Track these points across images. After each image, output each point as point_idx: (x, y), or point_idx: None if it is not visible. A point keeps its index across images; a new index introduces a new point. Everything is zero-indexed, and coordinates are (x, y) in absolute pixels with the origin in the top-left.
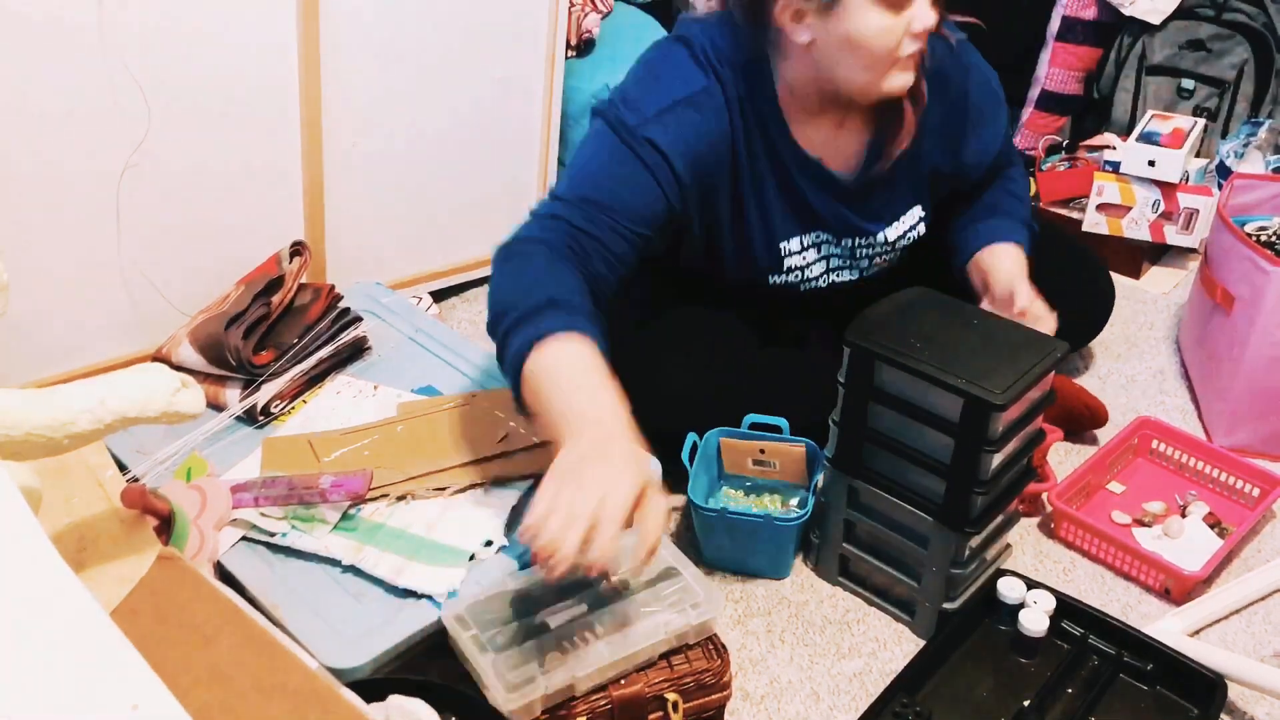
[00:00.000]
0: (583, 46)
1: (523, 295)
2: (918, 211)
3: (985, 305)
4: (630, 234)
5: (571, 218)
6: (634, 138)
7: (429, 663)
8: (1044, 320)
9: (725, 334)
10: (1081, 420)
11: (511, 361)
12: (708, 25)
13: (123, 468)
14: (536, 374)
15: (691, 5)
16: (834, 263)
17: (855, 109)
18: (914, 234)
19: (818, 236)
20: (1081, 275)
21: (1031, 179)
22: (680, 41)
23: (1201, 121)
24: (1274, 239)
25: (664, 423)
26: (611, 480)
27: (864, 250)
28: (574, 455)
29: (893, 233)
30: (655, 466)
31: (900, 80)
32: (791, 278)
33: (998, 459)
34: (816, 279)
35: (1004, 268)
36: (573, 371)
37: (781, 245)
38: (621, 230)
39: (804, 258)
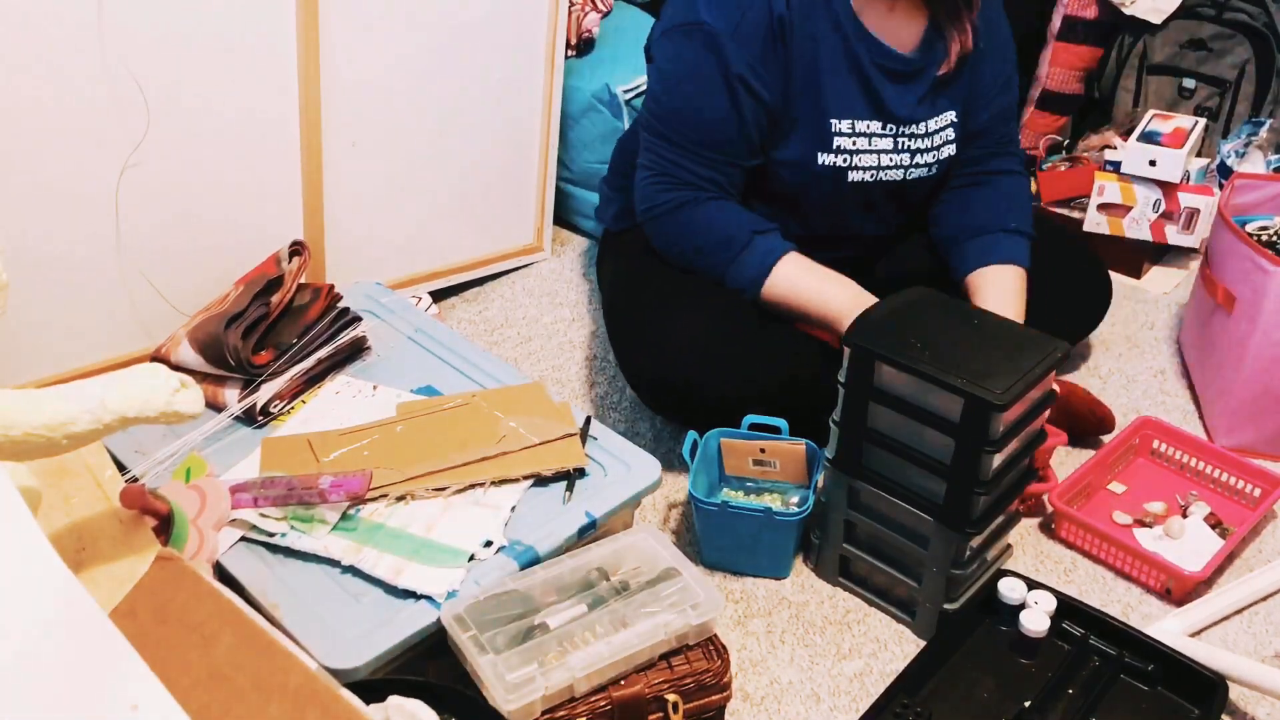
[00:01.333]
0: (583, 46)
1: (729, 229)
2: (951, 115)
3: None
4: (745, 156)
5: (698, 170)
6: (721, 71)
7: (429, 663)
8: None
9: (730, 294)
10: (1088, 426)
11: (751, 281)
12: None
13: (122, 468)
14: (788, 283)
15: None
16: (882, 159)
17: None
18: (948, 146)
19: (868, 126)
20: (1076, 269)
21: (1032, 179)
22: None
23: (1202, 121)
24: (1275, 239)
25: (670, 372)
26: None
27: (907, 143)
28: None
29: (934, 124)
30: (655, 468)
31: None
32: (840, 160)
33: (998, 459)
34: (864, 170)
35: (994, 301)
36: (814, 278)
37: (832, 122)
38: (738, 162)
39: (853, 142)
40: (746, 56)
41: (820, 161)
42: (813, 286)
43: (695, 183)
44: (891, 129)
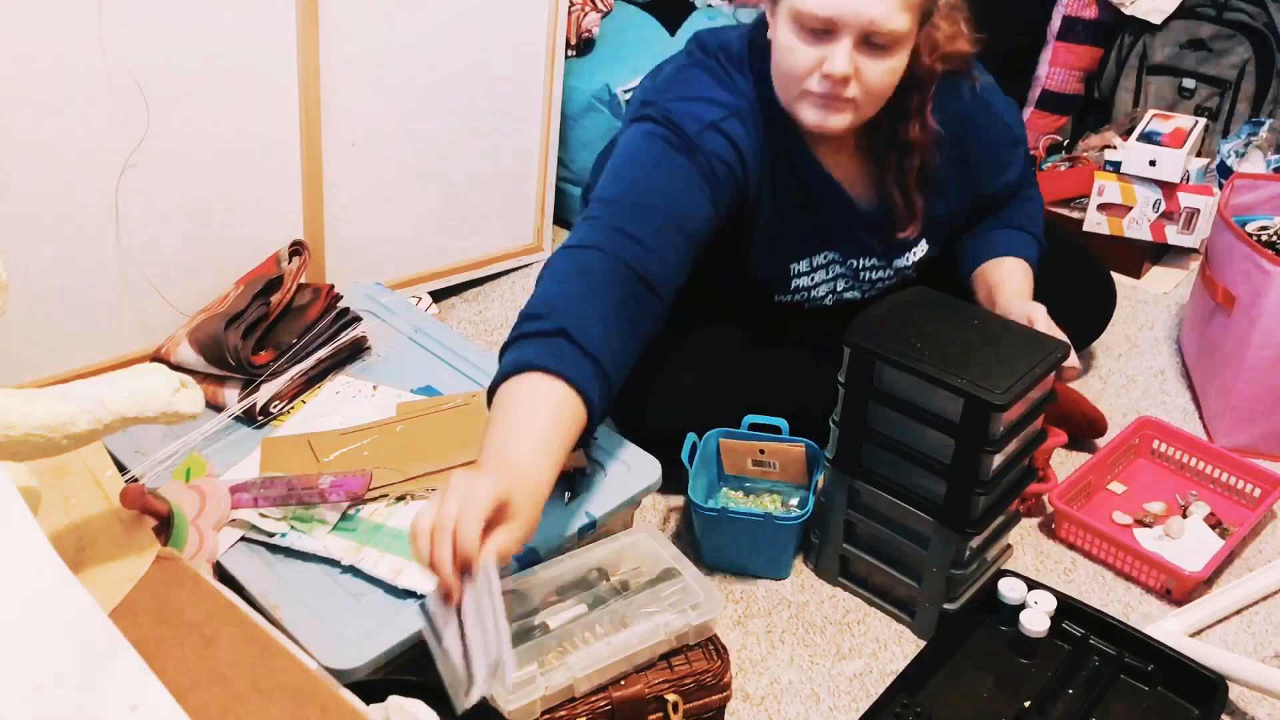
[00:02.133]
0: (583, 46)
1: (546, 309)
2: (924, 247)
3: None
4: (685, 241)
5: (626, 225)
6: (690, 145)
7: (429, 663)
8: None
9: (723, 334)
10: (1079, 430)
11: (495, 378)
12: (740, 34)
13: (122, 468)
14: (496, 403)
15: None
16: (840, 285)
17: (854, 137)
18: (924, 256)
19: (826, 257)
20: (1082, 279)
21: None
22: (711, 53)
23: (1202, 121)
24: (1275, 239)
25: (662, 421)
26: (472, 483)
27: (869, 274)
28: (468, 483)
29: (901, 262)
30: (655, 468)
31: (811, 115)
32: (797, 297)
33: (998, 459)
34: (822, 298)
35: (1012, 286)
36: (517, 412)
37: (791, 265)
38: (674, 238)
39: (811, 279)
40: (724, 197)
41: (777, 300)
42: (500, 419)
43: (606, 247)
44: (852, 264)
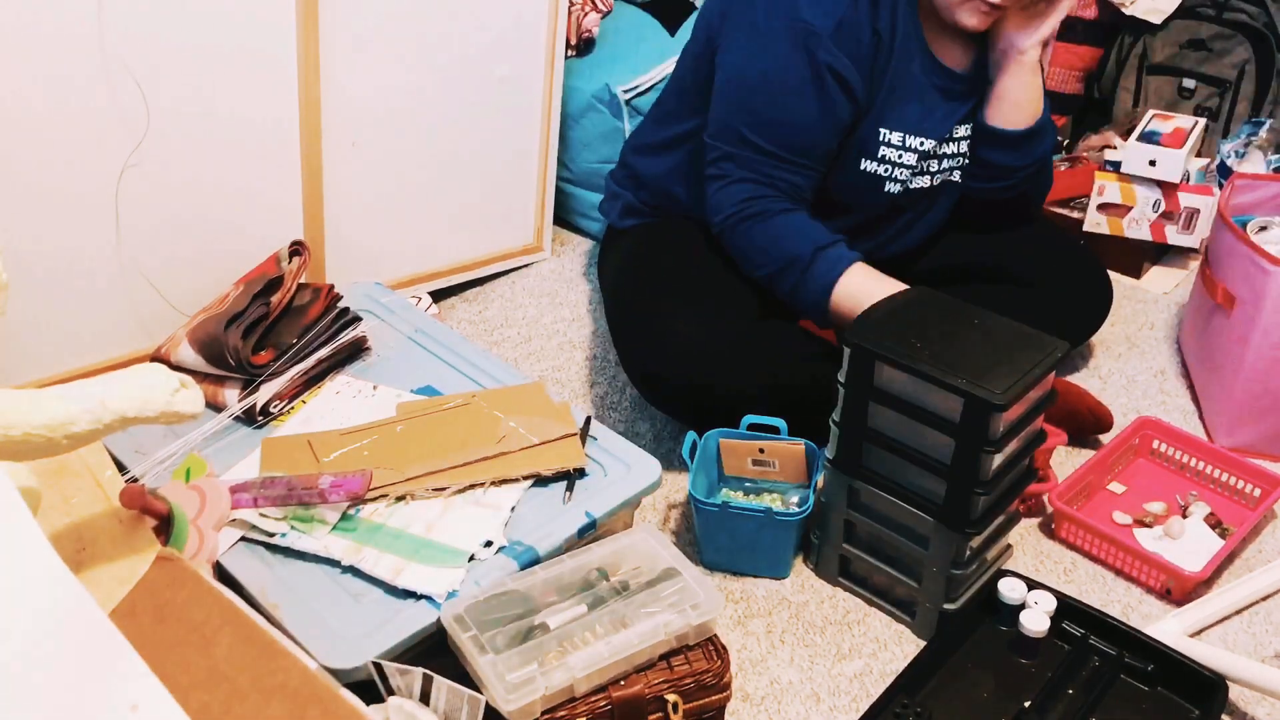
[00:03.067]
0: (583, 46)
1: (795, 247)
2: (969, 126)
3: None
4: (823, 163)
5: (784, 173)
6: (823, 72)
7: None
8: None
9: (734, 286)
10: (1085, 425)
11: (816, 296)
12: None
13: (122, 468)
14: (850, 297)
15: None
16: (916, 169)
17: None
18: (962, 155)
19: (920, 143)
20: (1078, 272)
21: None
22: None
23: (1202, 121)
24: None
25: (671, 370)
26: None
27: (939, 150)
28: None
29: (960, 131)
30: (655, 468)
31: (969, 19)
32: (881, 169)
33: (998, 459)
34: (899, 182)
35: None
36: (875, 286)
37: (882, 132)
38: (818, 166)
39: (899, 155)
40: (843, 55)
41: (862, 168)
42: (871, 296)
43: (775, 191)
44: (933, 145)
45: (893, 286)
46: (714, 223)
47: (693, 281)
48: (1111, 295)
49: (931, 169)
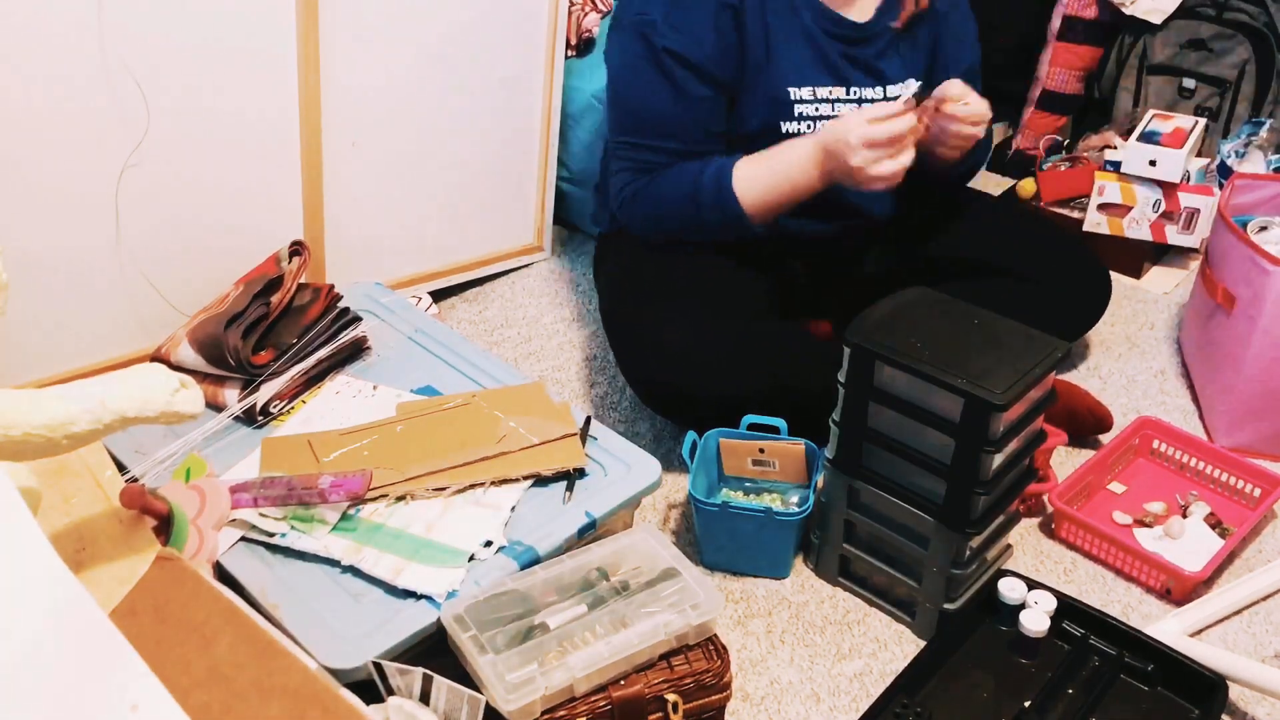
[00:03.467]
0: (583, 46)
1: (681, 186)
2: (914, 84)
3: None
4: (703, 134)
5: (657, 160)
6: (664, 63)
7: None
8: (978, 108)
9: (727, 290)
10: (1085, 425)
11: (725, 207)
12: None
13: (122, 468)
14: (748, 184)
15: None
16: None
17: None
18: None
19: (830, 92)
20: (1076, 265)
21: (1032, 179)
22: None
23: (1202, 121)
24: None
25: (667, 374)
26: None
27: (869, 100)
28: (829, 167)
29: (895, 89)
30: (655, 468)
31: None
32: (804, 127)
33: (998, 459)
34: None
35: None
36: (764, 160)
37: (790, 91)
38: (697, 148)
39: (816, 109)
40: (684, 37)
41: (785, 130)
42: (771, 167)
43: (653, 166)
44: (855, 94)
45: (779, 154)
46: (614, 209)
47: (685, 287)
48: (1110, 288)
49: None
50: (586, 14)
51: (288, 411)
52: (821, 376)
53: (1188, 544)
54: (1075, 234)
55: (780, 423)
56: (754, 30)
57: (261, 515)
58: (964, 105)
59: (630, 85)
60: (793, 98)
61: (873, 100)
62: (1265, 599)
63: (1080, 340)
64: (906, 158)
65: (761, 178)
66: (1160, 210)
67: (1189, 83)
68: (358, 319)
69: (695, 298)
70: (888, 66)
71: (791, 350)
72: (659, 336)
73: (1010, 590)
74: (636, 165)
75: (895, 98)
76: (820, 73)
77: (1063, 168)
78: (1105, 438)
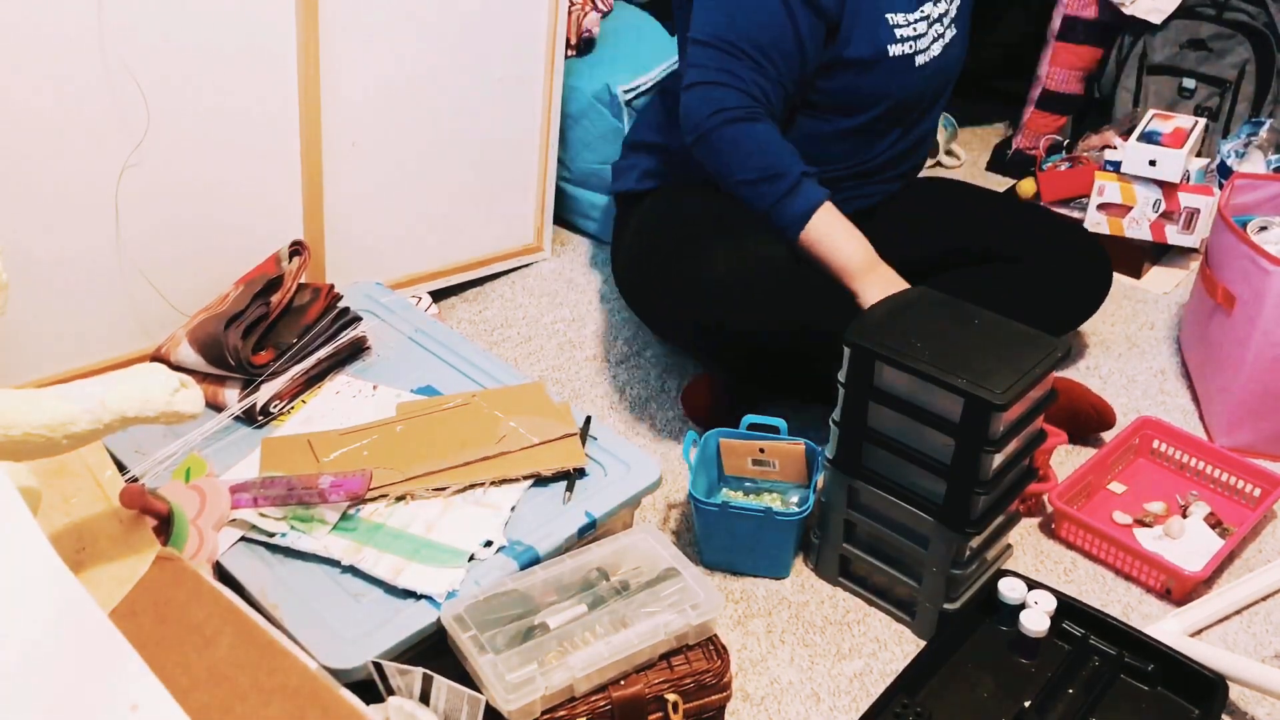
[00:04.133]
0: (583, 46)
1: (784, 164)
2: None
3: None
4: (795, 78)
5: (756, 76)
6: None
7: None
8: None
9: (764, 229)
10: (1088, 422)
11: (794, 221)
12: None
13: (122, 468)
14: (820, 235)
15: None
16: (928, 39)
17: None
18: (956, 23)
19: (913, 15)
20: (1074, 249)
21: (1032, 179)
22: None
23: (1202, 121)
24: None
25: (703, 313)
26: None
27: (937, 22)
28: (878, 289)
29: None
30: (655, 468)
31: None
32: (906, 48)
33: (998, 459)
34: (925, 53)
35: None
36: (844, 233)
37: (888, 17)
38: (785, 79)
39: (913, 28)
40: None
41: (892, 53)
42: (839, 237)
43: (750, 91)
44: (924, 13)
45: (854, 235)
46: (695, 124)
47: (729, 220)
48: (1110, 271)
49: (939, 33)
50: (586, 14)
51: (288, 411)
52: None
53: (1188, 544)
54: (1075, 222)
55: (780, 423)
56: None
57: (261, 515)
58: None
59: (744, 4)
60: (891, 24)
61: (936, 16)
62: (1265, 599)
63: (1080, 339)
64: None
65: (824, 239)
66: (1160, 210)
67: (1189, 83)
68: (358, 319)
69: (731, 236)
70: None
71: (828, 292)
72: (697, 272)
73: (1010, 590)
74: (730, 85)
75: (943, 14)
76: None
77: (1063, 168)
78: (1104, 436)
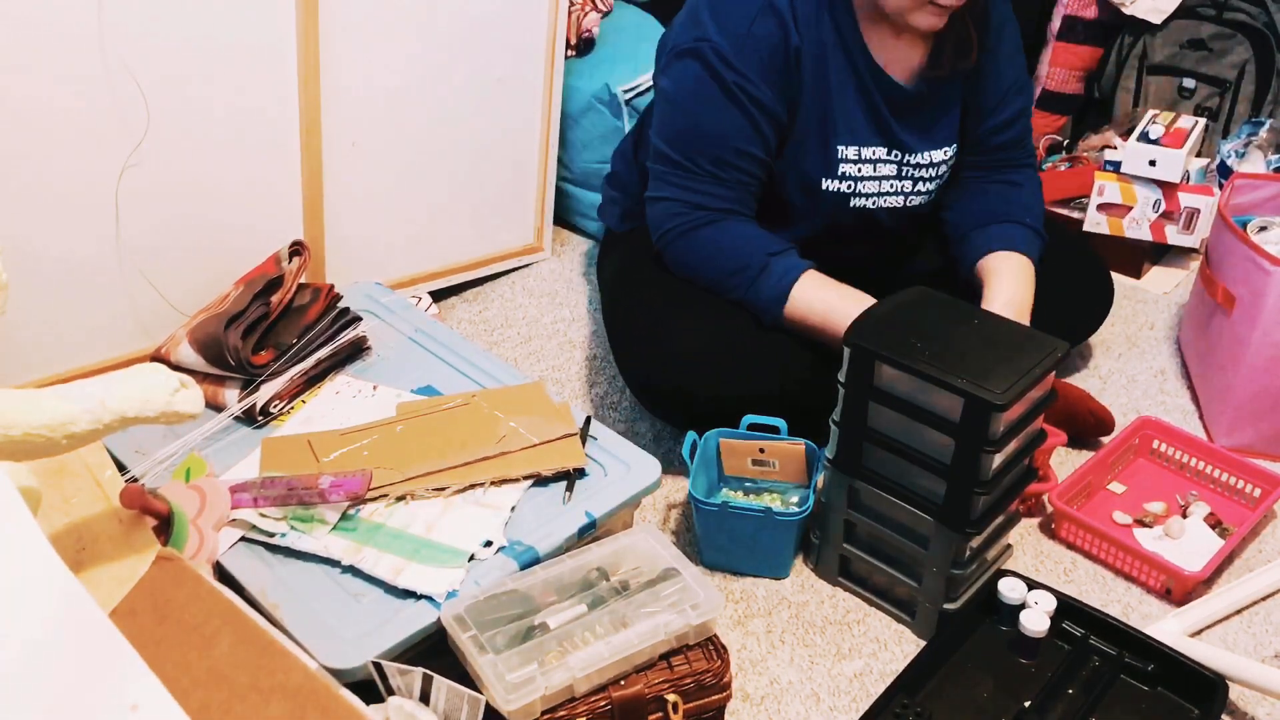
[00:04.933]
0: (583, 46)
1: (745, 254)
2: (950, 149)
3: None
4: (760, 169)
5: (713, 191)
6: (728, 84)
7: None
8: None
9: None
10: (1087, 428)
11: (771, 303)
12: None
13: (122, 468)
14: (806, 304)
15: None
16: (884, 185)
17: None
18: (945, 168)
19: (874, 152)
20: (1080, 271)
21: None
22: None
23: (1202, 121)
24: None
25: (669, 377)
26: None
27: (911, 171)
28: None
29: (938, 155)
30: (655, 468)
31: (925, 20)
32: (844, 186)
33: (998, 459)
34: (867, 196)
35: (1001, 290)
36: (833, 294)
37: (839, 149)
38: (754, 172)
39: (858, 169)
40: (750, 69)
41: (824, 187)
42: (829, 303)
43: (710, 205)
44: (897, 155)
45: (848, 294)
46: (657, 237)
47: (689, 290)
48: (1113, 292)
49: (905, 189)
50: (586, 14)
51: (288, 411)
52: (823, 378)
53: (1188, 544)
54: (1077, 238)
55: (780, 423)
56: (811, 78)
57: (261, 515)
58: None
59: (698, 114)
60: (839, 155)
61: (913, 164)
62: (1265, 599)
63: (1082, 342)
64: None
65: (814, 309)
66: (1160, 210)
67: (1189, 83)
68: (358, 319)
69: (701, 301)
70: (933, 126)
71: (795, 353)
72: (663, 338)
73: (1010, 590)
74: (690, 203)
75: (939, 163)
76: (872, 133)
77: (1063, 168)
78: (1105, 439)
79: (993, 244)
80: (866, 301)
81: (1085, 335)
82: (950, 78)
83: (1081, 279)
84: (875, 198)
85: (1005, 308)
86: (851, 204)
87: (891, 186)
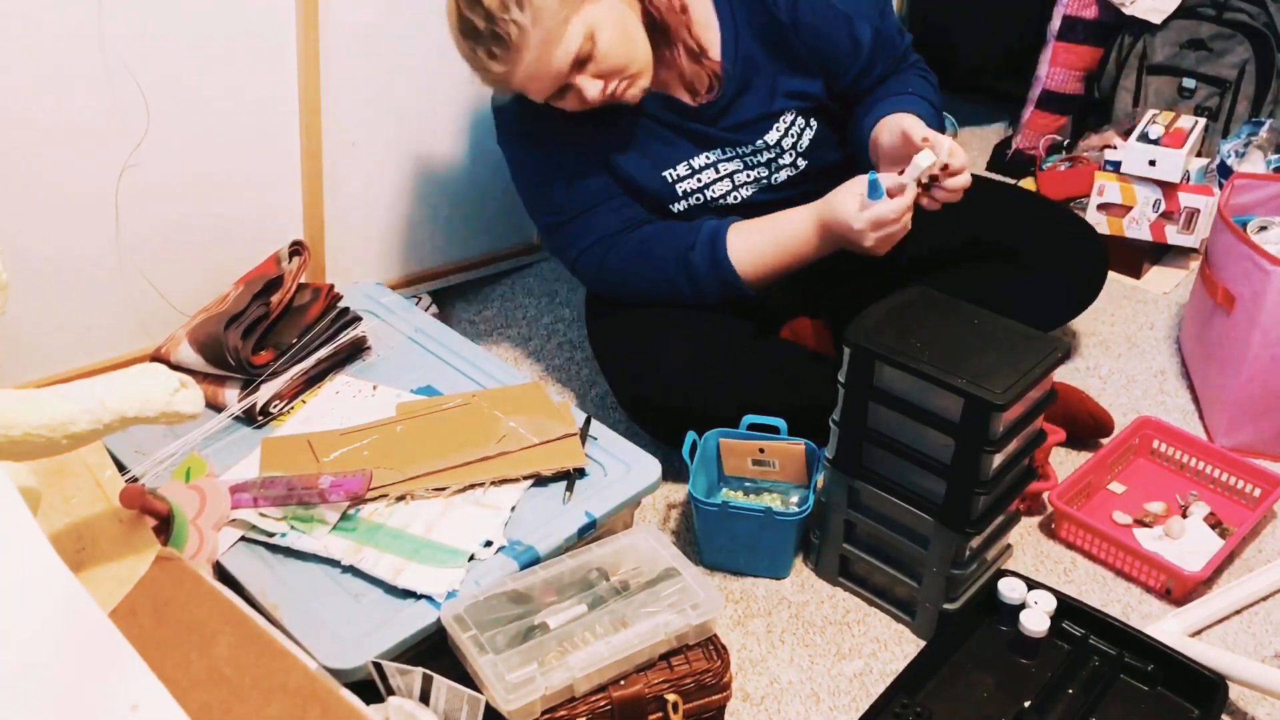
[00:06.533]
0: None
1: (660, 253)
2: (791, 116)
3: (884, 170)
4: (620, 184)
5: (608, 222)
6: (550, 154)
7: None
8: (945, 145)
9: (722, 314)
10: (1086, 429)
11: (717, 274)
12: None
13: (122, 468)
14: (754, 255)
15: None
16: (738, 178)
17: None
18: (805, 136)
19: (705, 159)
20: (1070, 237)
21: (1032, 178)
22: None
23: (1202, 121)
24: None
25: (661, 398)
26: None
27: (753, 156)
28: (831, 238)
29: (773, 137)
30: (655, 468)
31: (571, 104)
32: (695, 199)
33: (998, 459)
34: (724, 195)
35: (899, 121)
36: (767, 225)
37: (666, 175)
38: (617, 189)
39: (698, 179)
40: (541, 128)
41: (675, 208)
42: (768, 233)
43: (609, 232)
44: (729, 152)
45: (779, 215)
46: (590, 285)
47: (679, 307)
48: (1106, 256)
49: (762, 175)
50: None
51: (288, 411)
52: (822, 389)
53: (1188, 544)
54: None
55: (780, 423)
56: (606, 133)
57: (261, 515)
58: (958, 178)
59: (536, 181)
60: (671, 180)
61: (751, 149)
62: (1265, 599)
63: (1080, 340)
64: (908, 219)
65: (760, 247)
66: (1160, 210)
67: (1189, 83)
68: (358, 319)
69: (691, 313)
70: (752, 118)
71: (790, 365)
72: (655, 353)
73: (1010, 590)
74: (583, 241)
75: (782, 138)
76: (692, 149)
77: (1063, 168)
78: (1104, 440)
79: (879, 114)
80: (800, 211)
81: (1083, 306)
82: (743, 66)
83: (1072, 245)
84: (736, 190)
85: (893, 121)
86: (718, 204)
87: (748, 176)
